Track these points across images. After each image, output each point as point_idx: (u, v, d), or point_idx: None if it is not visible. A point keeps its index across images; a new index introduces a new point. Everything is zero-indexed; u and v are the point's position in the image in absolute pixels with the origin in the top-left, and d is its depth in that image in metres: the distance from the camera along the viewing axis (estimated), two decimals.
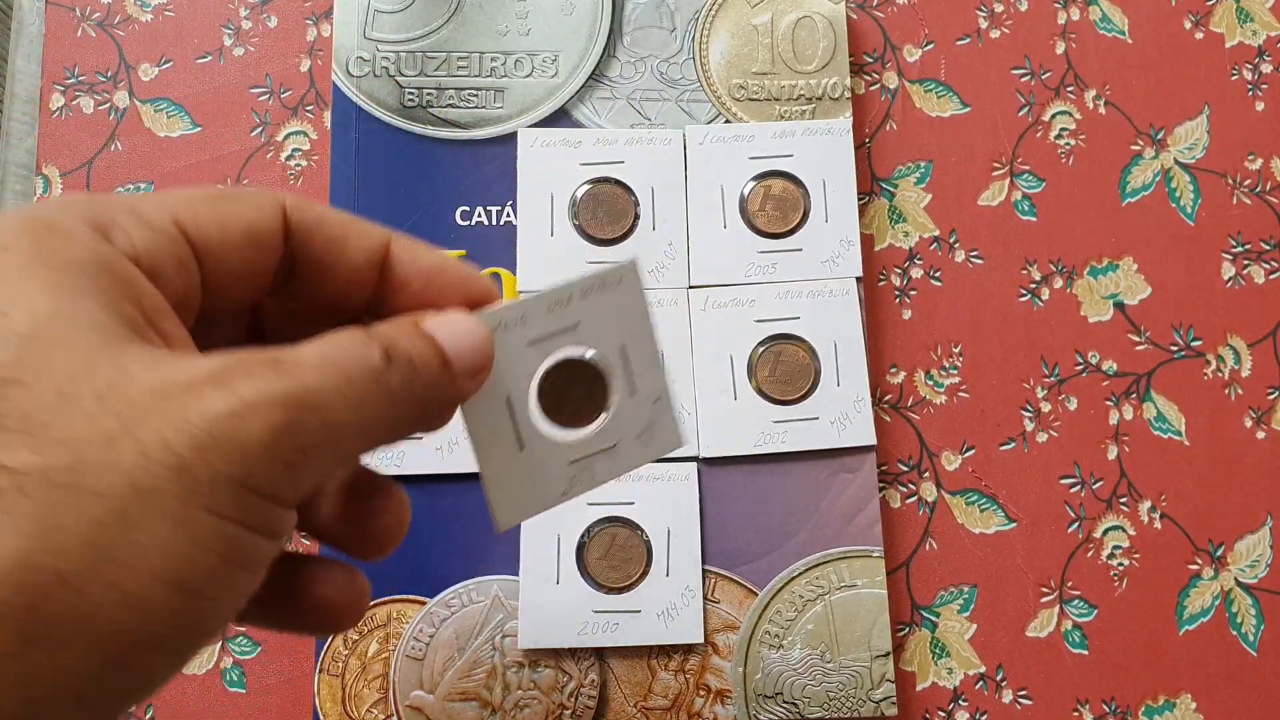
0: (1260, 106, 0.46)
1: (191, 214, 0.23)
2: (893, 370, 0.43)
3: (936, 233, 0.44)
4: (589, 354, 0.28)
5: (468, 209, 0.42)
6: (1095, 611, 0.41)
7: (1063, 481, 0.42)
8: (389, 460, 0.40)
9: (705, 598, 0.39)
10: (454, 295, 0.26)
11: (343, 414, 0.21)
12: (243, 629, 0.40)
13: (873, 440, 0.41)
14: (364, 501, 0.26)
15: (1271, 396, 0.43)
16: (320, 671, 0.39)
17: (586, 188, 0.42)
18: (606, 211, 0.42)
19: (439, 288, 0.26)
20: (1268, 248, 0.44)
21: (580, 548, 0.39)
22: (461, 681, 0.39)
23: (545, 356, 0.27)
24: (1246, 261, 0.44)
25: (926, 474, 0.42)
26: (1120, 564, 0.41)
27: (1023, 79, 0.46)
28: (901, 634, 0.41)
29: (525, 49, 0.44)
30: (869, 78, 0.46)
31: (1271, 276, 0.44)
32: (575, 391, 0.28)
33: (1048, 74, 0.46)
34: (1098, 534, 0.42)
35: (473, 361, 0.24)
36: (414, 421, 0.23)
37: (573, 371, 0.28)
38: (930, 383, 0.43)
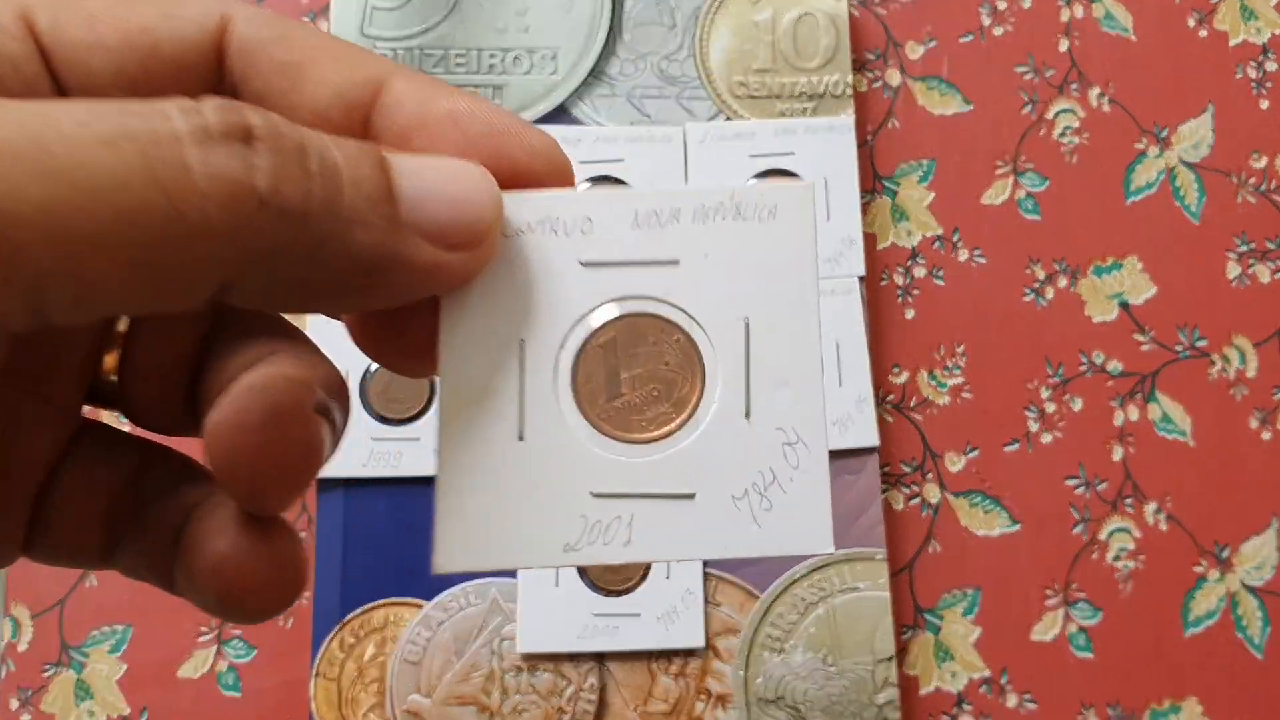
0: (1265, 105, 0.45)
1: (52, 13, 0.17)
2: (895, 370, 0.42)
3: (939, 231, 0.44)
4: (682, 314, 0.18)
5: None
6: (1100, 614, 0.41)
7: (1067, 483, 0.42)
8: (385, 462, 0.39)
9: (706, 601, 0.39)
10: (486, 158, 0.18)
11: (119, 216, 0.14)
12: (238, 632, 0.40)
13: (875, 441, 0.40)
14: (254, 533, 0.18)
15: (1277, 397, 0.43)
16: (316, 675, 0.38)
17: (585, 186, 0.42)
18: None
19: (461, 147, 0.18)
20: (1273, 247, 0.44)
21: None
22: (459, 685, 0.38)
23: (606, 298, 0.18)
24: (1251, 261, 0.44)
25: (930, 475, 0.42)
26: (1125, 566, 0.41)
27: (1026, 77, 0.45)
28: (905, 637, 0.40)
29: (524, 46, 0.44)
30: (871, 75, 0.45)
31: (1277, 275, 0.44)
32: (642, 373, 0.18)
33: (1051, 72, 0.45)
34: (1103, 536, 0.41)
35: (453, 222, 0.17)
36: (294, 260, 0.15)
37: (646, 337, 0.18)
38: (933, 383, 0.42)
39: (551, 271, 0.18)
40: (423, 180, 0.17)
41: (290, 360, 0.17)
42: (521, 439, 0.18)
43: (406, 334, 0.19)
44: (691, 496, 0.17)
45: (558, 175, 0.19)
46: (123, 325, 0.19)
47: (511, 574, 0.39)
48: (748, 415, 0.18)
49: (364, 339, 0.19)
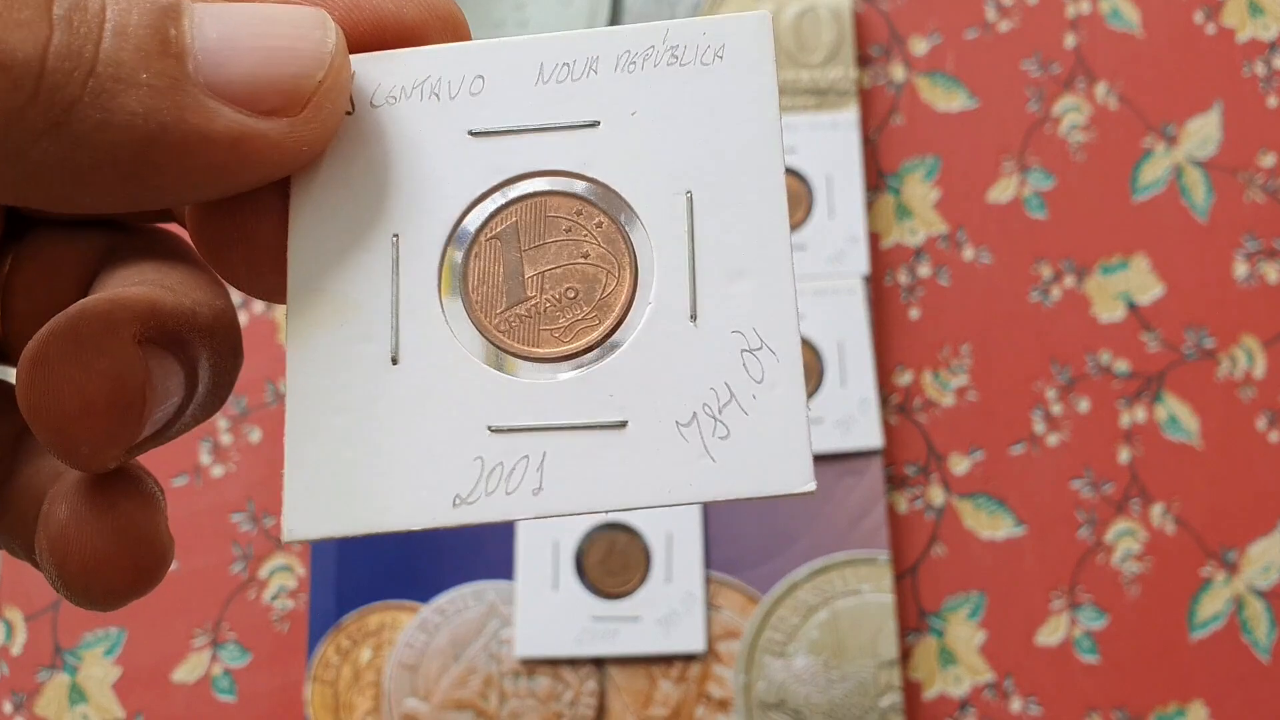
0: (1272, 102, 0.45)
1: None
2: (899, 371, 0.42)
3: (944, 230, 0.43)
4: (604, 191, 0.14)
5: None
6: (1106, 618, 0.40)
7: (1073, 485, 0.41)
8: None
9: (707, 604, 0.39)
10: (343, 11, 0.14)
11: None
12: (233, 635, 0.39)
13: (879, 443, 0.40)
14: (96, 497, 0.15)
15: None
16: (312, 680, 0.38)
17: None
18: None
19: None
20: None
21: (579, 553, 0.39)
22: (457, 690, 0.38)
23: (503, 176, 0.14)
24: (1260, 260, 0.43)
25: (934, 477, 0.41)
26: (1131, 569, 0.41)
27: (1032, 73, 0.45)
28: (908, 641, 0.40)
29: None
30: (875, 71, 0.45)
31: None
32: (554, 269, 0.14)
33: (1057, 68, 0.45)
34: (1109, 539, 0.41)
35: (260, 78, 0.13)
36: (33, 133, 0.12)
37: (557, 223, 0.14)
38: (938, 384, 0.42)
39: (432, 147, 0.14)
40: (224, 26, 0.13)
41: (129, 285, 0.15)
42: (395, 362, 0.14)
43: (254, 239, 0.15)
44: (622, 425, 0.13)
45: (440, 28, 0.15)
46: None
47: (509, 577, 0.38)
48: (694, 316, 0.14)
49: (204, 246, 0.15)
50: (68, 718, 0.39)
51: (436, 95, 0.14)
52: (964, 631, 0.40)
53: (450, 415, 0.14)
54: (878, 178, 0.44)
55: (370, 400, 0.14)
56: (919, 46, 0.45)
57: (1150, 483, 0.41)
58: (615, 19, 0.44)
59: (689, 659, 0.38)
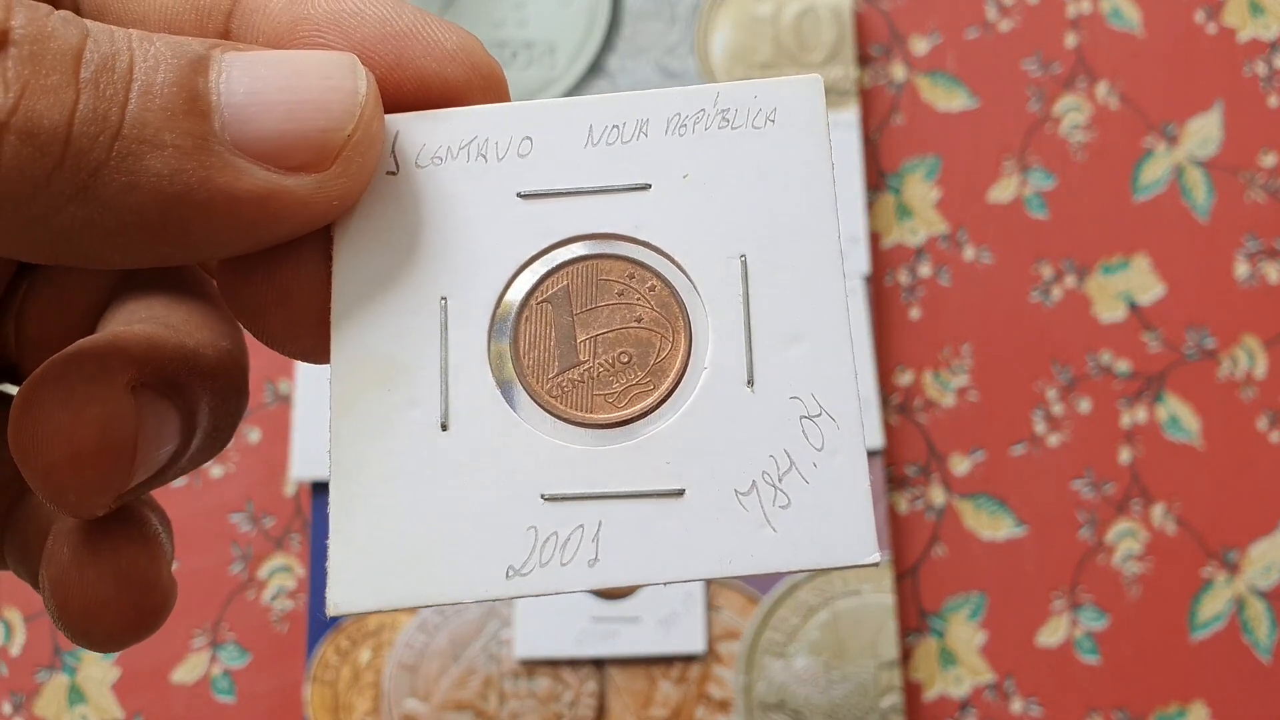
0: (1273, 101, 0.45)
1: None
2: (900, 371, 0.42)
3: (945, 229, 0.43)
4: (657, 255, 0.14)
5: None
6: (1107, 618, 0.40)
7: (1074, 485, 0.41)
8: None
9: (707, 605, 0.38)
10: (382, 71, 0.14)
11: None
12: (233, 636, 0.39)
13: (879, 443, 0.40)
14: (96, 543, 0.15)
15: None
16: (311, 680, 0.38)
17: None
18: None
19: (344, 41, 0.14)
20: None
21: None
22: (457, 691, 0.38)
23: (553, 239, 0.14)
24: (1261, 260, 0.43)
25: (935, 478, 0.41)
26: (1132, 570, 0.41)
27: (1032, 72, 0.45)
28: (908, 642, 0.40)
29: (522, 40, 0.43)
30: (875, 70, 0.45)
31: None
32: (607, 333, 0.14)
33: (1058, 68, 0.45)
34: (1109, 539, 0.41)
35: (287, 133, 0.13)
36: (60, 199, 0.12)
37: (609, 287, 0.14)
38: (938, 384, 0.42)
39: (480, 208, 0.14)
40: (251, 79, 0.13)
41: (134, 321, 0.15)
42: (445, 429, 0.13)
43: (292, 299, 0.14)
44: (679, 494, 0.13)
45: (483, 86, 0.14)
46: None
47: None
48: (750, 382, 0.13)
49: (237, 306, 0.15)
50: (67, 718, 0.39)
51: (484, 156, 0.14)
52: (964, 632, 0.40)
53: (502, 483, 0.13)
54: (878, 177, 0.44)
55: (419, 468, 0.13)
56: (919, 46, 0.45)
57: (1151, 483, 0.41)
58: (615, 18, 0.44)
59: (689, 660, 0.38)
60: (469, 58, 0.14)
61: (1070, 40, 0.45)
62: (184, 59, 0.13)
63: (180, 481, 0.41)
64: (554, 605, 0.38)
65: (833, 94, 0.43)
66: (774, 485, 0.13)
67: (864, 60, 0.45)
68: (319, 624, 0.38)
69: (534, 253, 0.14)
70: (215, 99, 0.13)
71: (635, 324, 0.14)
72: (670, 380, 0.14)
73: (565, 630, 0.38)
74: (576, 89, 0.43)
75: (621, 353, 0.14)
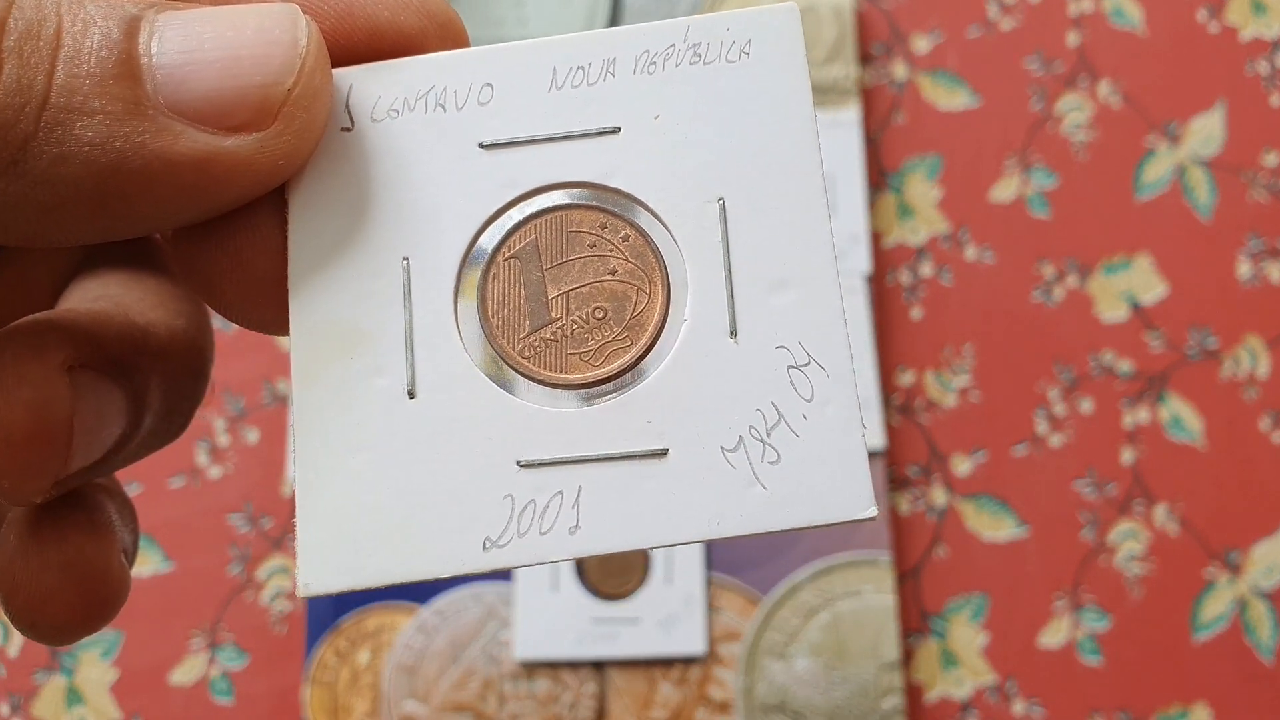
0: (1276, 101, 0.45)
1: None
2: (901, 371, 0.42)
3: (947, 229, 0.43)
4: (631, 202, 0.13)
5: None
6: (1109, 619, 0.40)
7: (1076, 486, 0.41)
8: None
9: (707, 606, 0.38)
10: (331, 21, 0.13)
11: None
12: (231, 637, 0.39)
13: (881, 443, 0.40)
14: (45, 530, 0.14)
15: None
16: (310, 682, 0.38)
17: None
18: None
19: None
20: None
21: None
22: (456, 693, 0.37)
23: (519, 190, 0.13)
24: (1263, 259, 0.43)
25: (936, 478, 0.41)
26: (1134, 571, 0.40)
27: (1034, 71, 0.45)
28: (910, 643, 0.40)
29: (521, 38, 0.43)
30: (877, 69, 0.45)
31: None
32: (580, 288, 0.13)
33: (1060, 67, 0.45)
34: (1111, 540, 0.41)
35: (224, 91, 0.12)
36: None
37: (580, 239, 0.13)
38: (940, 384, 0.42)
39: (441, 162, 0.13)
40: (186, 36, 0.12)
41: (86, 301, 0.14)
42: (412, 396, 0.13)
43: (246, 267, 0.14)
44: (662, 454, 0.12)
45: (440, 35, 0.14)
46: None
47: (508, 578, 0.38)
48: (733, 333, 0.13)
49: (190, 277, 0.14)
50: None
51: (442, 106, 0.13)
52: (966, 633, 0.40)
53: (475, 451, 0.13)
54: (879, 176, 0.44)
55: (387, 439, 0.13)
56: (921, 45, 0.45)
57: (1153, 484, 0.41)
58: (615, 17, 0.43)
59: (689, 661, 0.38)
60: (423, 4, 0.14)
61: (1072, 39, 0.45)
62: (114, 21, 0.12)
63: (178, 482, 0.40)
64: (553, 607, 0.38)
65: (834, 93, 0.43)
66: (762, 440, 0.13)
67: (865, 59, 0.45)
68: (318, 625, 0.38)
69: (499, 206, 0.13)
70: (147, 61, 0.12)
71: (609, 277, 0.13)
72: (649, 335, 0.13)
73: (565, 632, 0.38)
74: None
75: (596, 308, 0.13)
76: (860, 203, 0.41)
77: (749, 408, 0.13)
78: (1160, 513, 0.41)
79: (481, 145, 0.13)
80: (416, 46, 0.14)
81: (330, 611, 0.38)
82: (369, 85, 0.13)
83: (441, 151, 0.13)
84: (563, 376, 0.13)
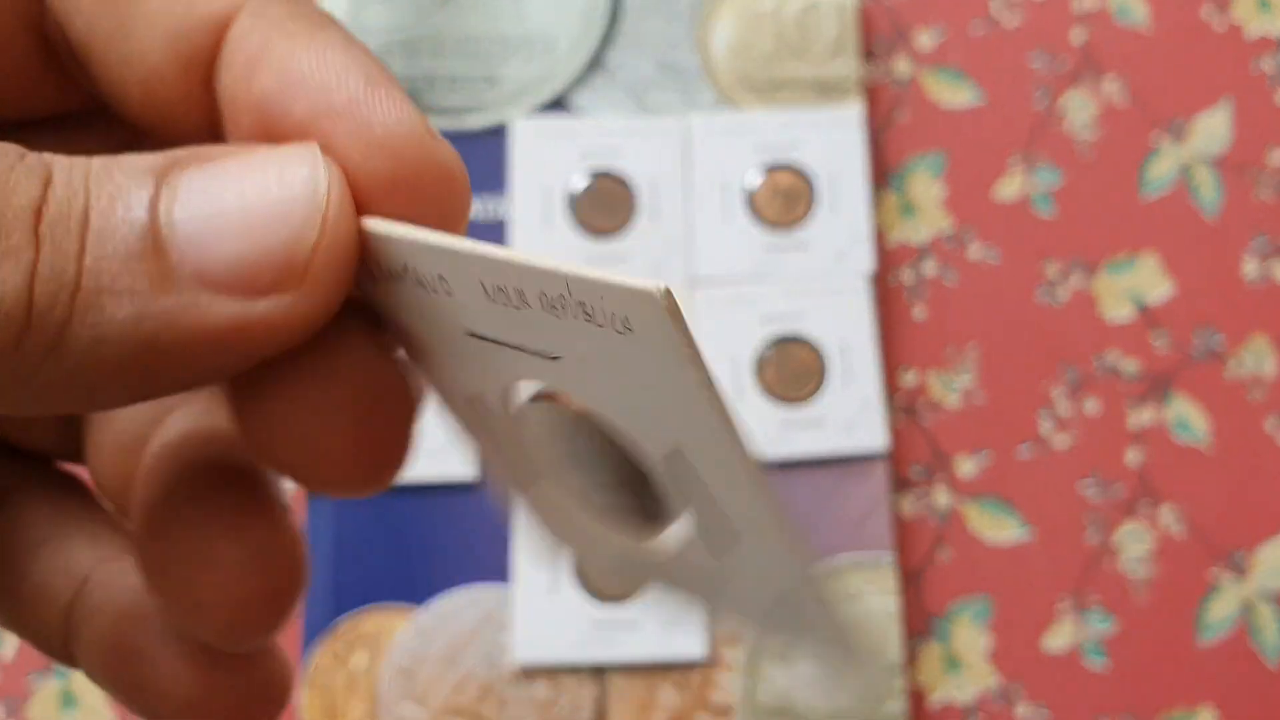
0: None
1: None
2: (904, 371, 0.42)
3: (950, 228, 0.43)
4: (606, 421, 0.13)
5: None
6: (1114, 622, 0.40)
7: (1081, 487, 0.41)
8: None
9: None
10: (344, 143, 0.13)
11: None
12: None
13: (883, 444, 0.39)
14: (216, 666, 0.14)
15: None
16: (306, 685, 0.37)
17: (584, 180, 0.41)
18: (604, 204, 0.41)
19: (321, 129, 0.12)
20: None
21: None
22: (454, 696, 0.37)
23: (500, 387, 0.14)
24: (1270, 259, 0.43)
25: (940, 479, 0.41)
26: (1140, 573, 0.40)
27: (1039, 68, 0.45)
28: (913, 646, 0.39)
29: (520, 35, 0.43)
30: (879, 65, 0.44)
31: None
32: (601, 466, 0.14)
33: (1065, 64, 0.45)
34: (1117, 542, 0.40)
35: (248, 258, 0.12)
36: (20, 361, 0.11)
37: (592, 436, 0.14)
38: (943, 384, 0.42)
39: (442, 338, 0.13)
40: (207, 198, 0.12)
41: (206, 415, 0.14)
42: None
43: (313, 420, 0.13)
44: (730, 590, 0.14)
45: (412, 183, 0.13)
46: None
47: (504, 580, 0.38)
48: (734, 546, 0.13)
49: (254, 445, 0.14)
50: None
51: (422, 285, 0.12)
52: (970, 636, 0.40)
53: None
54: (882, 175, 0.43)
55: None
56: (924, 41, 0.45)
57: (1159, 485, 0.41)
58: (615, 12, 0.43)
59: (690, 665, 0.38)
60: (398, 148, 0.13)
61: (1077, 36, 0.45)
62: (137, 191, 0.12)
63: None
64: (553, 610, 0.38)
65: (836, 89, 0.43)
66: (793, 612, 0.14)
67: (868, 55, 0.44)
68: (314, 628, 0.38)
69: (510, 391, 0.14)
70: (169, 232, 0.12)
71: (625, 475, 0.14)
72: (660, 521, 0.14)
73: (564, 635, 0.37)
74: (576, 85, 0.42)
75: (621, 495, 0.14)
76: (863, 201, 0.41)
77: (767, 589, 0.14)
78: (1166, 514, 0.41)
79: (468, 333, 0.13)
80: (387, 194, 0.13)
81: (327, 614, 0.38)
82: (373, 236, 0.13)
83: (439, 329, 0.13)
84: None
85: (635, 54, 0.43)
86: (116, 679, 0.14)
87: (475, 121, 0.42)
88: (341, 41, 0.13)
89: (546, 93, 0.42)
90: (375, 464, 0.13)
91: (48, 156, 0.12)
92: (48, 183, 0.11)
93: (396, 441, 0.13)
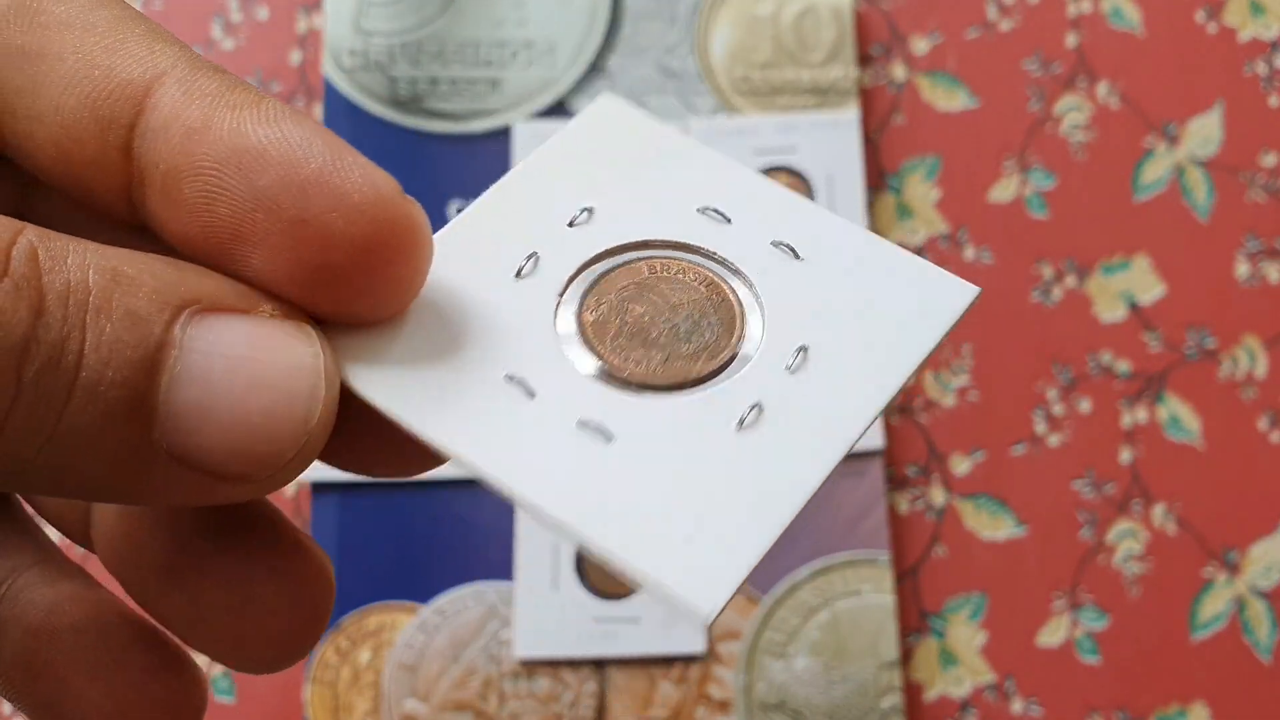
0: (1274, 101, 0.45)
1: None
2: None
3: (945, 229, 0.43)
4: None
5: (462, 204, 0.41)
6: (1107, 619, 0.40)
7: (1074, 486, 0.41)
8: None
9: None
10: (284, 226, 0.12)
11: None
12: None
13: (880, 443, 0.40)
14: (138, 671, 0.15)
15: None
16: (311, 680, 0.38)
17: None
18: None
19: (247, 206, 0.12)
20: None
21: (579, 553, 0.38)
22: (456, 691, 0.38)
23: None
24: (1261, 260, 0.43)
25: (935, 478, 0.41)
26: (1133, 570, 0.40)
27: (1033, 72, 0.45)
28: (909, 642, 0.40)
29: (521, 39, 0.43)
30: (876, 70, 0.45)
31: None
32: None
33: (1059, 68, 0.45)
34: (1110, 539, 0.41)
35: (226, 453, 0.12)
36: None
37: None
38: (939, 384, 0.42)
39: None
40: (205, 387, 0.12)
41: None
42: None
43: (240, 618, 0.14)
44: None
45: (392, 244, 0.13)
46: None
47: (509, 576, 0.38)
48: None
49: (173, 626, 0.15)
50: None
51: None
52: (965, 632, 0.40)
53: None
54: (878, 177, 0.44)
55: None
56: (920, 46, 0.45)
57: (1152, 483, 0.41)
58: (615, 17, 0.44)
59: (689, 660, 0.38)
60: (377, 212, 0.13)
61: (1071, 40, 0.45)
62: (138, 351, 0.11)
63: None
64: (554, 606, 0.38)
65: (833, 93, 0.43)
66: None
67: (864, 60, 0.45)
68: None
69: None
70: (158, 404, 0.12)
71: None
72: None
73: (565, 630, 0.38)
74: (577, 89, 0.43)
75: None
76: (859, 204, 0.42)
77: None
78: (1159, 512, 0.41)
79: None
80: (366, 256, 0.13)
81: (331, 610, 0.38)
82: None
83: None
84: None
85: (635, 58, 0.43)
86: (25, 696, 0.14)
87: (478, 125, 0.42)
88: (289, 112, 0.13)
89: (548, 97, 0.43)
90: (293, 651, 0.15)
91: (42, 267, 0.11)
92: (38, 313, 0.11)
93: (316, 625, 0.14)
